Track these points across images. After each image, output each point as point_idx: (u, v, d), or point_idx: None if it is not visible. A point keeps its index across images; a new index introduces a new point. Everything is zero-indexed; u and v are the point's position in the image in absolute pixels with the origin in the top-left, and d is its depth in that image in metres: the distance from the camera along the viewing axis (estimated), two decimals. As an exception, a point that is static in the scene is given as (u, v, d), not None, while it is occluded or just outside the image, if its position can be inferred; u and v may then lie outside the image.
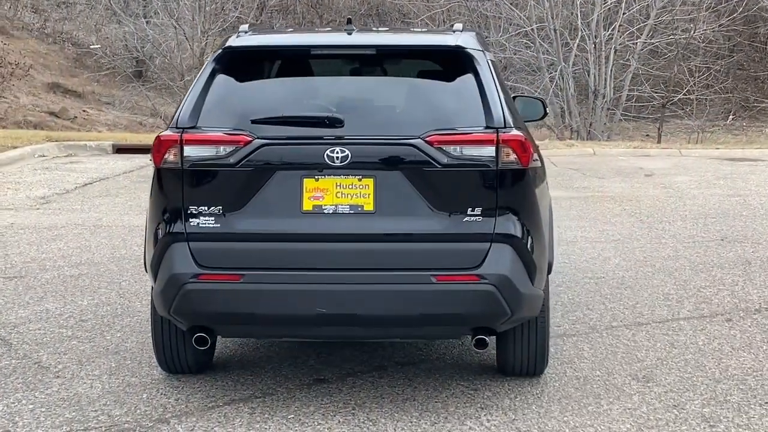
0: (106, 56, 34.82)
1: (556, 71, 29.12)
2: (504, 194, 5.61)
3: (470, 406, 5.96)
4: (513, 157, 5.60)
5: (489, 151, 5.58)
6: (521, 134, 5.70)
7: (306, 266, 5.57)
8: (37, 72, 34.30)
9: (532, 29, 29.07)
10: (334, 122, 5.65)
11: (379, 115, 5.90)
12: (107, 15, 36.42)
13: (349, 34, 6.23)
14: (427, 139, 5.58)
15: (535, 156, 5.91)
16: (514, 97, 7.83)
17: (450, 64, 5.98)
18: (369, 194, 5.60)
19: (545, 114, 7.92)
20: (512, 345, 6.13)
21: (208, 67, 5.94)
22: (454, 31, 6.37)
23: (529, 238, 5.69)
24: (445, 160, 5.56)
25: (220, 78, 5.92)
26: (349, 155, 5.55)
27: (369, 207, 5.59)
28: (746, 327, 7.51)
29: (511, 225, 5.62)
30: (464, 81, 5.88)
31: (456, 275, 5.53)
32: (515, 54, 30.39)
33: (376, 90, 6.11)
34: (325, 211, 5.59)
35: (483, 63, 5.94)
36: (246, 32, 6.38)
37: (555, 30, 28.87)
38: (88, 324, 7.69)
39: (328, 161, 5.55)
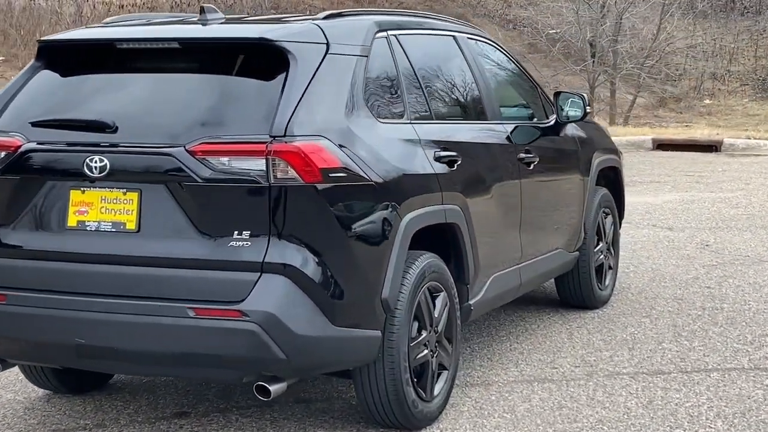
0: (562, 41, 32.69)
1: None
2: (281, 216, 4.65)
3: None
4: (291, 172, 4.64)
5: (259, 164, 4.65)
6: (308, 144, 4.67)
7: (68, 290, 4.95)
8: None
9: None
10: (104, 127, 4.96)
11: (157, 119, 5.01)
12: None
13: (204, 24, 5.35)
14: (189, 148, 4.73)
15: (347, 172, 4.80)
16: (558, 93, 7.04)
17: (258, 59, 5.03)
18: (133, 210, 4.87)
19: (585, 113, 7.10)
20: (366, 391, 5.21)
21: (31, 64, 5.43)
22: (304, 20, 5.37)
23: (323, 269, 4.72)
24: (207, 173, 4.69)
25: (35, 75, 5.37)
26: (108, 165, 4.84)
27: (131, 225, 4.86)
28: None
29: (290, 253, 4.65)
30: (266, 80, 4.93)
31: (215, 309, 4.66)
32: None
33: (166, 90, 5.17)
34: (88, 228, 4.94)
35: (302, 59, 4.91)
36: (109, 24, 5.80)
37: None
38: None
39: (87, 171, 4.87)
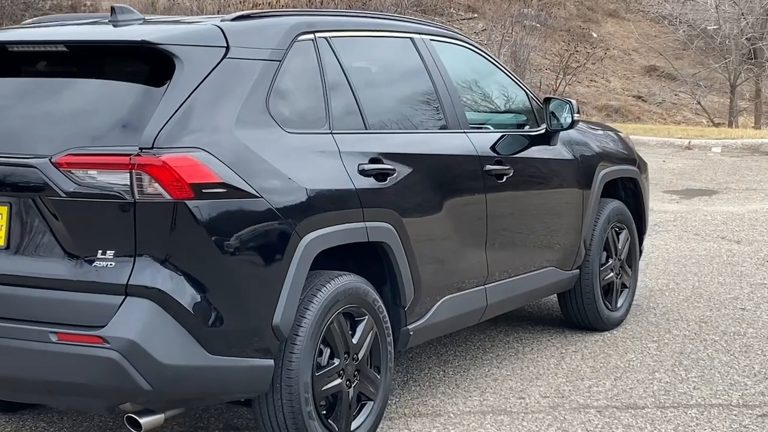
0: (719, 38, 31.58)
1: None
2: (148, 236, 4.31)
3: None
4: (157, 187, 4.27)
5: (123, 178, 4.31)
6: (177, 158, 4.30)
7: None
8: (639, 55, 34.87)
9: None
10: None
11: (32, 128, 4.68)
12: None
13: (115, 26, 5.04)
14: (55, 160, 4.41)
15: (228, 187, 4.41)
16: (547, 99, 6.53)
17: (143, 64, 4.70)
18: (2, 225, 4.60)
19: (573, 122, 6.56)
20: (266, 423, 4.82)
21: None
22: (210, 21, 4.97)
23: (197, 293, 4.35)
24: (71, 187, 4.36)
25: None
26: None
27: (0, 242, 4.58)
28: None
29: (157, 275, 4.30)
30: (149, 86, 4.58)
31: (77, 335, 4.34)
32: None
33: (48, 96, 4.79)
34: None
35: (189, 64, 4.56)
36: (27, 25, 5.54)
37: None
38: None
39: None
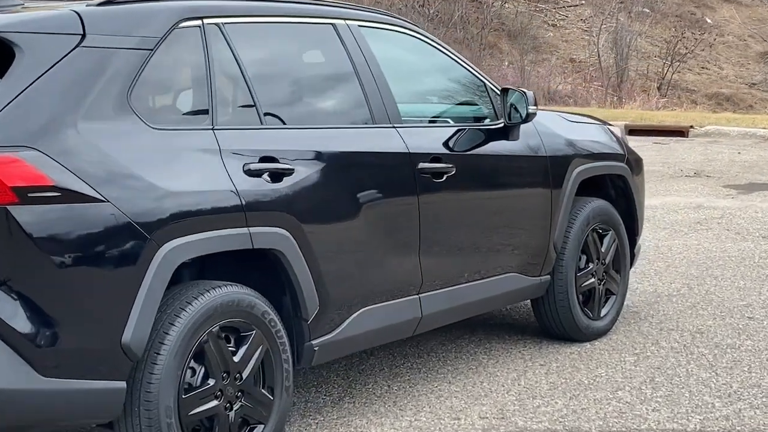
0: None
1: None
2: None
3: None
4: None
5: None
6: None
7: None
8: (755, 41, 34.37)
9: None
10: None
11: None
12: None
13: None
14: None
15: (63, 191, 3.96)
16: (505, 90, 5.99)
17: None
18: None
19: (527, 114, 5.98)
20: None
21: None
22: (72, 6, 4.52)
23: (24, 309, 3.91)
24: None
25: None
26: None
27: None
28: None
29: None
30: None
31: None
32: None
33: None
34: None
35: (32, 53, 4.11)
36: None
37: None
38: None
39: None
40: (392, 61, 5.61)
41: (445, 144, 5.61)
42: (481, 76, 6.09)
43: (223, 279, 4.58)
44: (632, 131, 18.63)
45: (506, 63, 32.57)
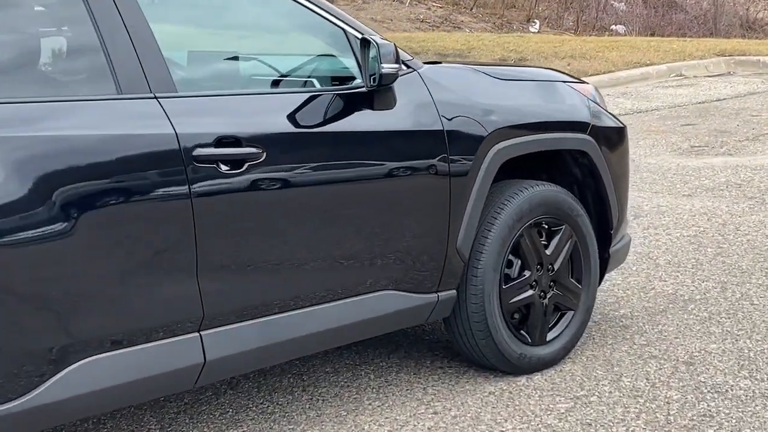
0: None
1: None
2: None
3: None
4: None
5: None
6: None
7: None
8: None
9: None
10: None
11: None
12: None
13: None
14: None
15: None
16: (365, 41, 4.32)
17: None
18: None
19: (380, 77, 4.29)
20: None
21: None
22: None
23: None
24: None
25: None
26: None
27: None
28: None
29: None
30: None
31: None
32: None
33: None
34: None
35: None
36: None
37: None
38: None
39: None
40: (177, 9, 4.06)
41: (251, 119, 4.04)
42: (343, 20, 4.43)
43: None
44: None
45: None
